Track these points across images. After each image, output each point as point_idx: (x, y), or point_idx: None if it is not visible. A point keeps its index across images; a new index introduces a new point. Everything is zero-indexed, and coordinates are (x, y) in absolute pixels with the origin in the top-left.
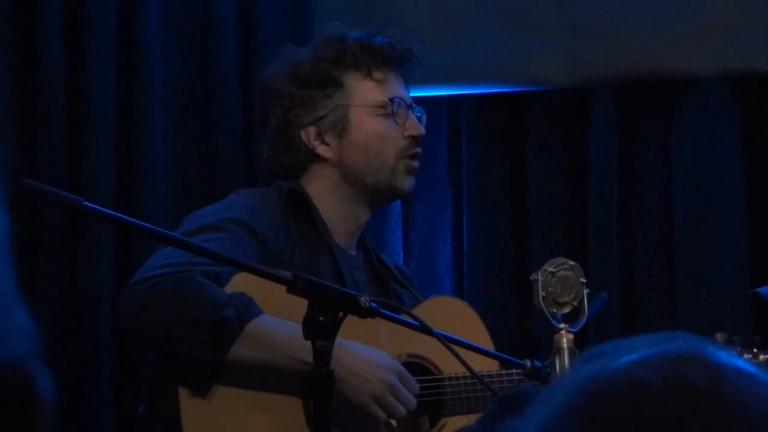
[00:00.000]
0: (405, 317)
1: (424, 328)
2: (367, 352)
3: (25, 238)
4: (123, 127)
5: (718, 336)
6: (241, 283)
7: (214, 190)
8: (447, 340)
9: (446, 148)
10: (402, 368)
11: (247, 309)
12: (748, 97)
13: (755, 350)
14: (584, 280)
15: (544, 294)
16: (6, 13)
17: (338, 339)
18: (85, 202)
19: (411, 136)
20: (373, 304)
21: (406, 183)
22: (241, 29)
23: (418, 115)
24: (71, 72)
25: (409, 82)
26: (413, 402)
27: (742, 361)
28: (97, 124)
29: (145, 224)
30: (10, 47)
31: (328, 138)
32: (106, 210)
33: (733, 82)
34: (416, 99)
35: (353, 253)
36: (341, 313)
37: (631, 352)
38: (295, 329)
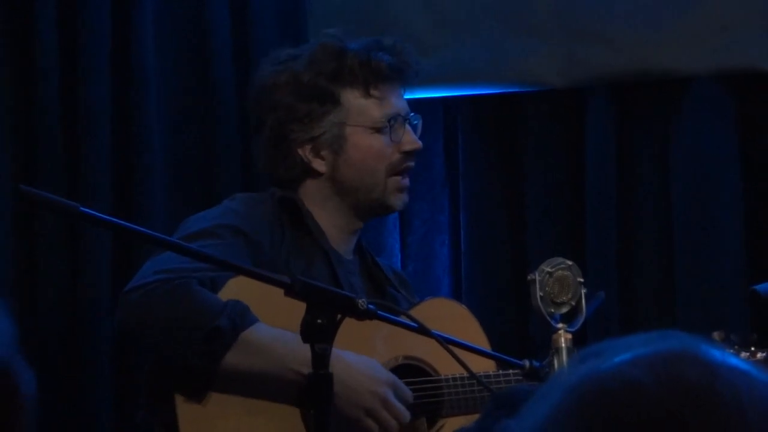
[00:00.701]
0: (403, 319)
1: (422, 330)
2: (361, 363)
3: (23, 244)
4: (119, 132)
5: (716, 334)
6: (235, 289)
7: (211, 194)
8: (445, 341)
9: (443, 149)
10: (396, 380)
11: (242, 318)
12: (744, 95)
13: (753, 348)
14: (582, 280)
15: (541, 294)
16: (1, 18)
17: (333, 350)
18: (82, 208)
19: (406, 151)
20: (370, 306)
21: (398, 201)
22: (235, 33)
23: (415, 122)
24: (67, 77)
25: (407, 88)
26: (406, 415)
27: (735, 359)
28: (94, 129)
29: (143, 229)
30: (6, 52)
31: (324, 153)
32: (102, 215)
33: (730, 80)
34: (412, 102)
35: (350, 258)
36: (339, 316)
37: (624, 352)
38: (291, 338)
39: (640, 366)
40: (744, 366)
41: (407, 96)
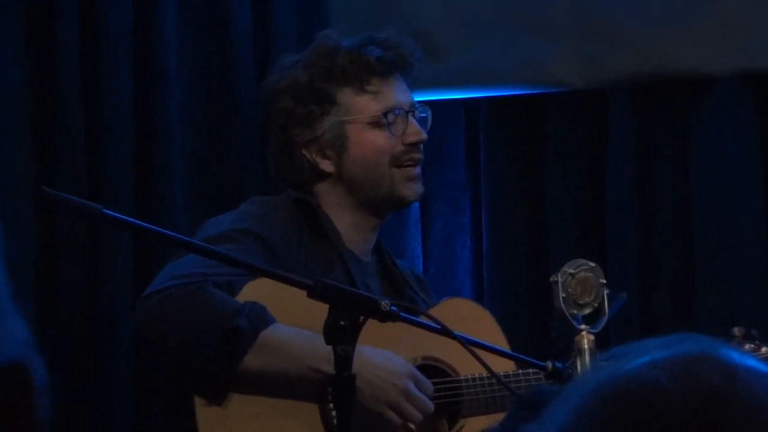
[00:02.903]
0: (424, 320)
1: (444, 331)
2: (382, 357)
3: (44, 248)
4: (141, 134)
5: (736, 330)
6: (252, 292)
7: (232, 196)
8: (467, 342)
9: (464, 151)
10: (417, 372)
11: (260, 318)
12: (765, 96)
13: None
14: (604, 281)
15: (564, 295)
16: (23, 22)
17: None
18: (105, 210)
19: (410, 143)
20: (393, 307)
21: (410, 191)
22: (257, 34)
23: (422, 115)
24: (89, 79)
25: (412, 81)
26: (430, 406)
27: (754, 360)
28: (115, 131)
29: (165, 231)
30: (28, 56)
31: (328, 153)
32: (125, 217)
33: (751, 80)
34: (432, 103)
35: (367, 259)
36: (362, 317)
37: (643, 355)
38: (309, 337)
39: (660, 368)
40: (761, 367)
41: (428, 98)
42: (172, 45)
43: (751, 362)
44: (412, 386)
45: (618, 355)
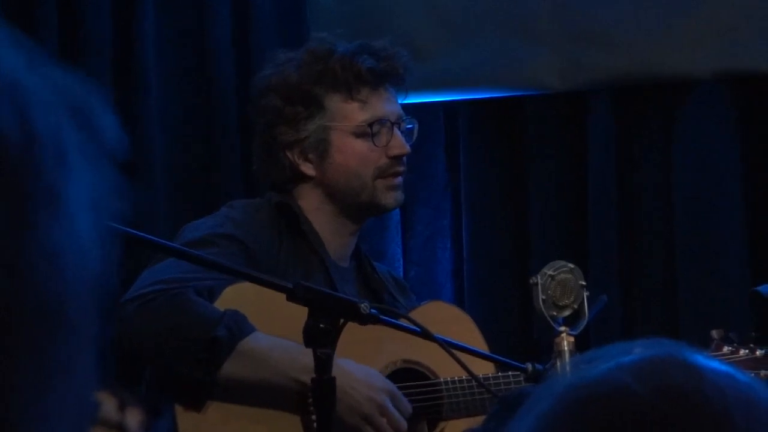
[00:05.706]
0: (405, 323)
1: (425, 334)
2: (359, 371)
3: None
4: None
5: (714, 333)
6: (232, 296)
7: (213, 199)
8: (448, 345)
9: (444, 154)
10: (393, 387)
11: (239, 327)
12: (746, 98)
13: (752, 345)
14: (584, 283)
15: (544, 297)
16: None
17: None
18: None
19: (393, 156)
20: (373, 310)
21: (390, 200)
22: (236, 40)
23: (408, 127)
24: None
25: (401, 92)
26: (403, 424)
27: (718, 363)
28: None
29: (143, 234)
30: None
31: (311, 156)
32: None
33: (731, 83)
34: (412, 106)
35: (345, 265)
36: (342, 321)
37: (608, 360)
38: (289, 346)
39: (626, 371)
40: (726, 368)
41: (407, 101)
42: (151, 54)
43: (716, 364)
44: (388, 402)
45: (583, 362)
